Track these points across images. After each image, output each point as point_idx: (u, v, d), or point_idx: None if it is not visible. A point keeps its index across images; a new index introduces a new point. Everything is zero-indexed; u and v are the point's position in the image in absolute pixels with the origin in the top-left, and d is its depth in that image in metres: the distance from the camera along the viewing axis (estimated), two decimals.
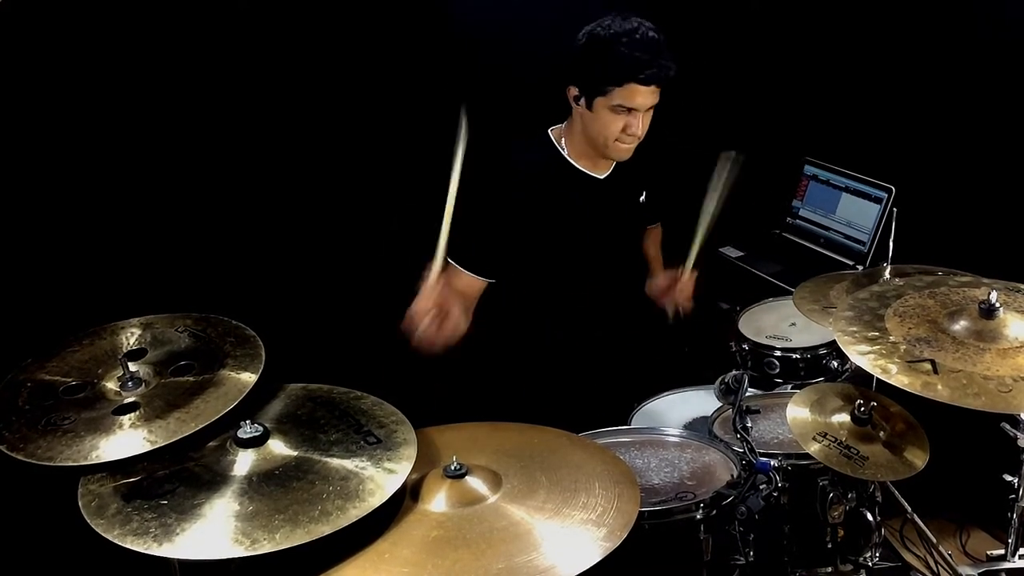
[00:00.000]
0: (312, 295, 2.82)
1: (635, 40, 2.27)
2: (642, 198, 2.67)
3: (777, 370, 2.47)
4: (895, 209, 2.46)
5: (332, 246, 2.84)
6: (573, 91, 2.37)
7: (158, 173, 2.54)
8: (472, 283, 2.44)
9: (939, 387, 1.70)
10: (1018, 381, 1.71)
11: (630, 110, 2.31)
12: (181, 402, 1.70)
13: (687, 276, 2.53)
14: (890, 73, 3.10)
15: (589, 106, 2.35)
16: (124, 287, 2.41)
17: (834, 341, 2.27)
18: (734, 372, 2.01)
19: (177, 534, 1.49)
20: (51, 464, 1.59)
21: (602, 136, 2.38)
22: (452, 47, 2.88)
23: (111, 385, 1.76)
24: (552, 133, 2.51)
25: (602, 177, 2.51)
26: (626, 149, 2.40)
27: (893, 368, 1.76)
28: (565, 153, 2.48)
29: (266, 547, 1.47)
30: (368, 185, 2.87)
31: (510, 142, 2.55)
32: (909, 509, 2.21)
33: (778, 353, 2.47)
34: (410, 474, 1.65)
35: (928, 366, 1.75)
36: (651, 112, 2.36)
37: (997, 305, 1.85)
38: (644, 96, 2.30)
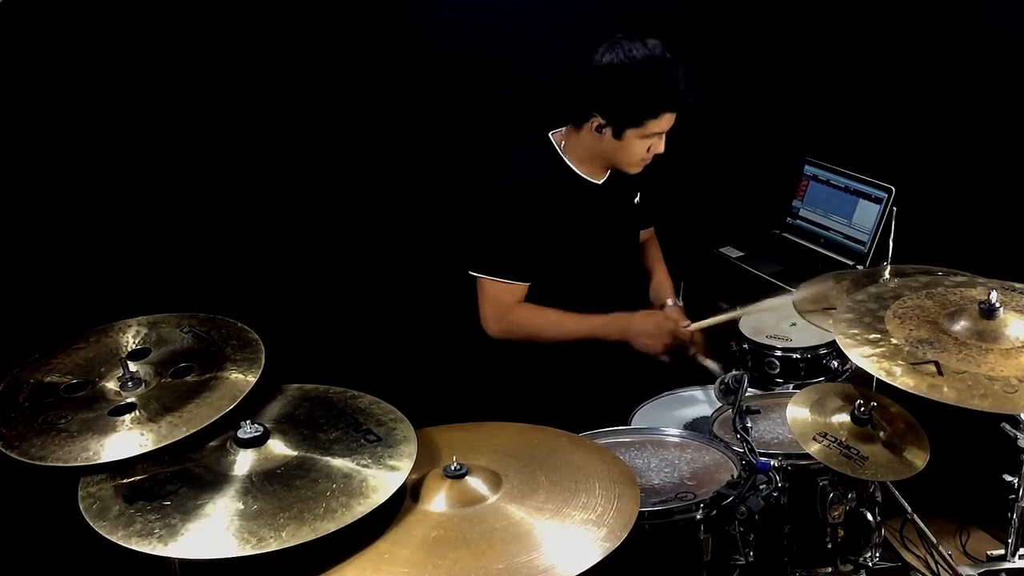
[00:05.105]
0: (312, 296, 2.82)
1: (677, 70, 2.30)
2: (636, 199, 2.68)
3: (777, 370, 2.47)
4: (895, 209, 2.46)
5: (332, 247, 2.84)
6: (596, 121, 2.37)
7: (174, 177, 2.56)
8: (513, 291, 2.46)
9: (945, 389, 1.69)
10: (1023, 381, 1.71)
11: (659, 134, 2.36)
12: (176, 405, 1.69)
13: (690, 327, 2.54)
14: (890, 73, 3.10)
15: (618, 135, 2.36)
16: (133, 284, 2.42)
17: (834, 341, 2.28)
18: (734, 372, 2.01)
19: (182, 534, 1.49)
20: (42, 464, 1.58)
21: (627, 160, 2.41)
22: (453, 49, 2.88)
23: (111, 385, 1.75)
24: (553, 138, 2.51)
25: (600, 183, 2.53)
26: (644, 165, 2.46)
27: (897, 371, 1.75)
28: (566, 160, 2.48)
29: (272, 545, 1.47)
30: (368, 187, 2.87)
31: (511, 145, 2.55)
32: (909, 509, 2.21)
33: (778, 353, 2.47)
34: (410, 474, 1.65)
35: (932, 368, 1.74)
36: None
37: (997, 305, 1.84)
38: (672, 118, 2.36)
